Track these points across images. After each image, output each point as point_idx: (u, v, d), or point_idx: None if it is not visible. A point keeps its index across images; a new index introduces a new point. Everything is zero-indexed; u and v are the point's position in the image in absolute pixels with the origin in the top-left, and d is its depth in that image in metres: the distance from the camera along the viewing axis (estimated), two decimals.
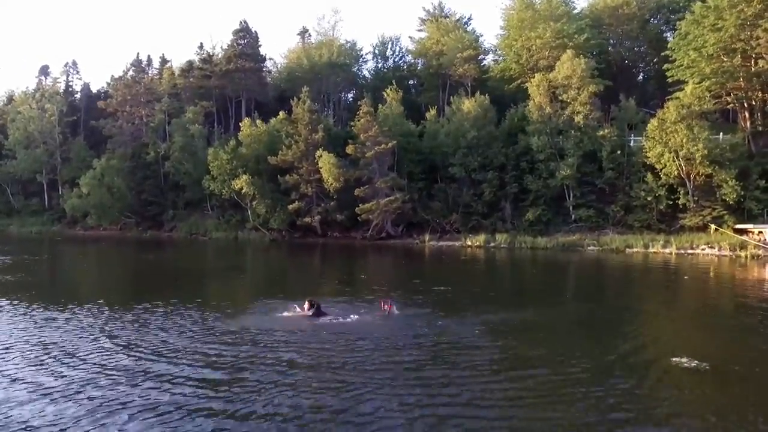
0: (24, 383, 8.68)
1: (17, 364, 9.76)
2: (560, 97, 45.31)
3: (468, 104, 48.21)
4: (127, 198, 56.99)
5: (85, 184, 56.27)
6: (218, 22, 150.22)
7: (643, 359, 10.94)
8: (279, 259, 37.68)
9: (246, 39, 65.20)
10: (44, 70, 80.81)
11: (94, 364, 9.72)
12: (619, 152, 42.12)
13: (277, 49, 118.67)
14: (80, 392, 8.24)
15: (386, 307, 14.29)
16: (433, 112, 51.55)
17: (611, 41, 57.70)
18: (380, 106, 49.70)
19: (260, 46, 67.59)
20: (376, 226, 45.89)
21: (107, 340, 11.45)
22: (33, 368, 9.51)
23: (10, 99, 77.98)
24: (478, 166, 45.01)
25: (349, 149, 46.46)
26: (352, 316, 13.98)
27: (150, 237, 53.80)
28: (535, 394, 8.58)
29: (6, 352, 10.54)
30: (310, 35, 72.42)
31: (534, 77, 47.15)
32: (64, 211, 61.08)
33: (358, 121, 47.15)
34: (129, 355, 10.28)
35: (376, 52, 70.33)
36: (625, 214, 41.12)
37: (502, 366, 10.23)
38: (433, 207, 46.21)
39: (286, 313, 14.08)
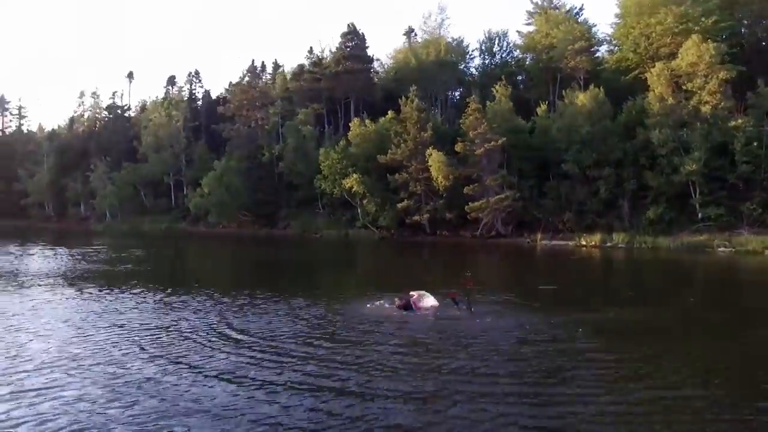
0: (190, 366, 9.38)
1: (179, 349, 10.62)
2: (684, 87, 42.29)
3: (581, 98, 46.21)
4: (244, 197, 60.05)
5: (206, 184, 60.11)
6: (327, 27, 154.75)
7: None
8: (389, 256, 38.31)
9: (354, 41, 66.69)
10: (171, 81, 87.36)
11: (247, 348, 10.35)
12: (755, 144, 38.44)
13: (384, 50, 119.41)
14: (245, 375, 8.82)
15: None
16: (543, 107, 49.91)
17: (744, 21, 52.84)
18: (488, 102, 48.93)
19: (367, 47, 68.93)
20: (485, 224, 45.33)
21: (245, 327, 12.14)
22: (194, 352, 10.26)
23: (143, 108, 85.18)
24: (592, 162, 43.02)
25: (458, 147, 46.21)
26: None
27: (265, 234, 56.50)
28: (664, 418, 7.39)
29: (164, 335, 11.49)
30: (416, 35, 72.70)
31: (654, 66, 44.34)
32: (188, 209, 65.52)
33: (467, 118, 46.75)
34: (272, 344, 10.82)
35: (483, 48, 69.24)
36: (763, 213, 37.57)
37: (620, 377, 9.20)
38: (545, 205, 44.81)
39: (388, 304, 14.56)
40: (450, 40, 68.23)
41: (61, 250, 35.64)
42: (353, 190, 50.86)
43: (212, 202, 60.46)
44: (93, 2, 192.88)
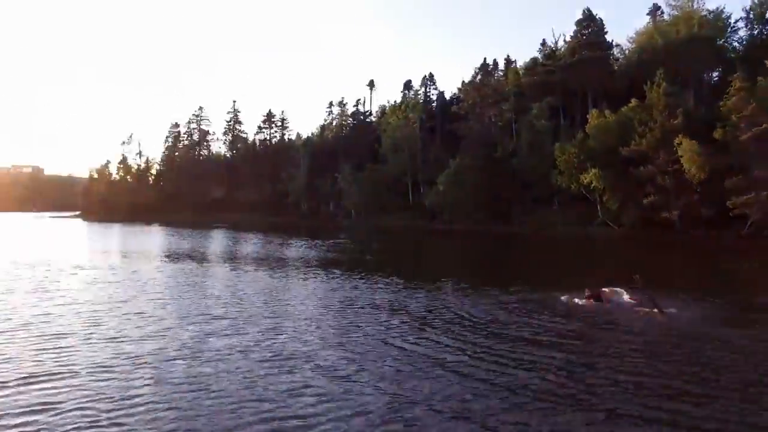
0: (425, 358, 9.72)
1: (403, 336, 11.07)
2: None
3: None
4: (479, 194, 60.76)
5: (441, 183, 62.18)
6: (561, 17, 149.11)
7: None
8: (637, 257, 34.94)
9: (590, 28, 63.07)
10: (407, 85, 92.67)
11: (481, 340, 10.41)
12: None
13: (624, 34, 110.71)
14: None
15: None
16: None
17: None
18: (759, 79, 42.03)
19: (606, 33, 64.67)
20: (752, 224, 39.19)
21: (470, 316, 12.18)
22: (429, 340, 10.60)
23: (383, 113, 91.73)
24: None
25: (717, 134, 40.76)
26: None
27: (500, 231, 56.28)
28: None
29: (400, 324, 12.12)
30: (662, 12, 65.99)
31: None
32: (425, 207, 68.55)
33: (728, 100, 40.96)
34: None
35: (751, 16, 59.60)
36: None
37: None
38: None
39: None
40: (705, 12, 60.32)
41: (317, 241, 40.13)
42: (592, 185, 48.14)
43: (447, 200, 62.41)
44: (338, 27, 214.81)
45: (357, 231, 59.46)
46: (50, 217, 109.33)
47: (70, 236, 48.63)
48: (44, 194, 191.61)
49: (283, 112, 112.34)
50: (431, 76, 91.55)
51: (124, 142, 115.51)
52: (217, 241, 41.44)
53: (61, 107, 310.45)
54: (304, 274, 20.68)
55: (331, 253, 30.84)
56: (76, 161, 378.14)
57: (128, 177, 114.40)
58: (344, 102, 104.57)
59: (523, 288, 16.44)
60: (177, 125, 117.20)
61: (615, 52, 68.11)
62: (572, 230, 50.35)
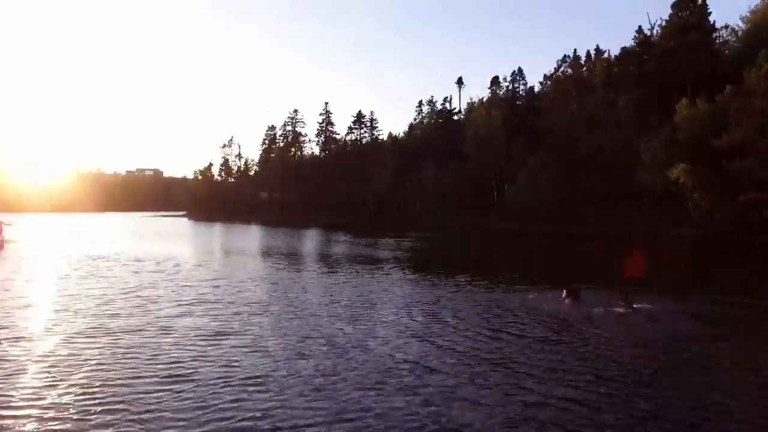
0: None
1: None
2: None
3: None
4: (559, 194, 57.25)
5: (522, 180, 59.36)
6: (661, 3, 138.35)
7: None
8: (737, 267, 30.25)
9: (689, 8, 57.26)
10: (495, 81, 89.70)
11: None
12: None
13: (732, 14, 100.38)
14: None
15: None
16: None
17: None
18: None
19: (709, 13, 58.45)
20: None
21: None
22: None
23: (470, 110, 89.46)
24: None
25: None
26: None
27: (577, 233, 52.03)
28: None
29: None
30: None
31: None
32: (505, 205, 65.84)
33: None
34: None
35: None
36: None
37: None
38: None
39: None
40: None
41: (406, 241, 39.76)
42: (680, 181, 43.64)
43: (526, 199, 59.53)
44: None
45: (436, 229, 58.26)
46: (162, 216, 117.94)
47: (183, 235, 51.69)
48: (164, 195, 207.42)
49: (372, 112, 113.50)
50: (520, 70, 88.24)
51: (224, 145, 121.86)
52: (323, 242, 41.47)
53: (174, 112, 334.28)
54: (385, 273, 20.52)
55: (410, 252, 30.77)
56: (189, 163, 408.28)
57: (229, 178, 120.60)
58: (434, 100, 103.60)
59: None
60: (273, 127, 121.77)
61: (723, 34, 61.63)
62: (661, 232, 45.89)
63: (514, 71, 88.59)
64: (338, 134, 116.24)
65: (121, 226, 70.40)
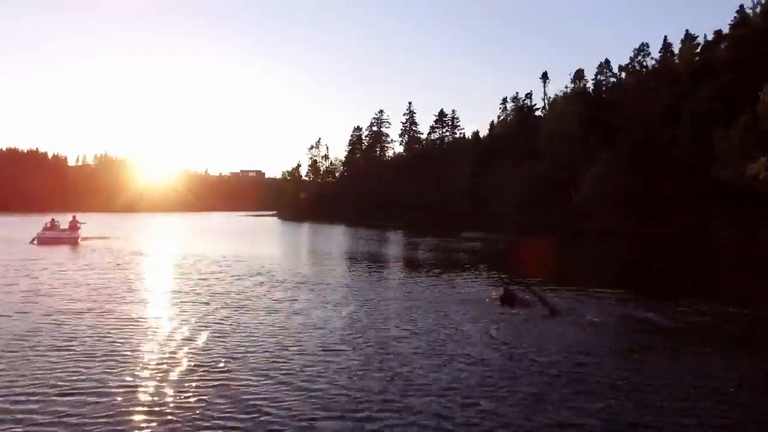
0: None
1: None
2: None
3: None
4: (631, 191, 53.55)
5: (592, 177, 56.22)
6: None
7: None
8: None
9: None
10: (579, 74, 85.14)
11: None
12: None
13: None
14: None
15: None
16: None
17: None
18: None
19: None
20: None
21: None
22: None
23: (550, 106, 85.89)
24: None
25: None
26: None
27: (650, 233, 48.31)
28: None
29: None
30: None
31: None
32: (578, 203, 62.44)
33: None
34: None
35: None
36: None
37: None
38: None
39: None
40: None
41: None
42: (761, 177, 39.35)
43: (598, 196, 56.31)
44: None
45: (510, 229, 56.38)
46: (254, 215, 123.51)
47: (274, 234, 54.16)
48: (266, 196, 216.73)
49: (453, 111, 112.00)
50: (607, 62, 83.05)
51: (312, 147, 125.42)
52: (410, 244, 39.51)
53: (276, 116, 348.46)
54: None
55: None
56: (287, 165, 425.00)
57: (318, 179, 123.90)
58: (518, 97, 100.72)
59: None
60: (359, 128, 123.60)
61: None
62: (736, 232, 41.65)
63: (601, 63, 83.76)
64: (422, 134, 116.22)
65: (219, 224, 75.72)
